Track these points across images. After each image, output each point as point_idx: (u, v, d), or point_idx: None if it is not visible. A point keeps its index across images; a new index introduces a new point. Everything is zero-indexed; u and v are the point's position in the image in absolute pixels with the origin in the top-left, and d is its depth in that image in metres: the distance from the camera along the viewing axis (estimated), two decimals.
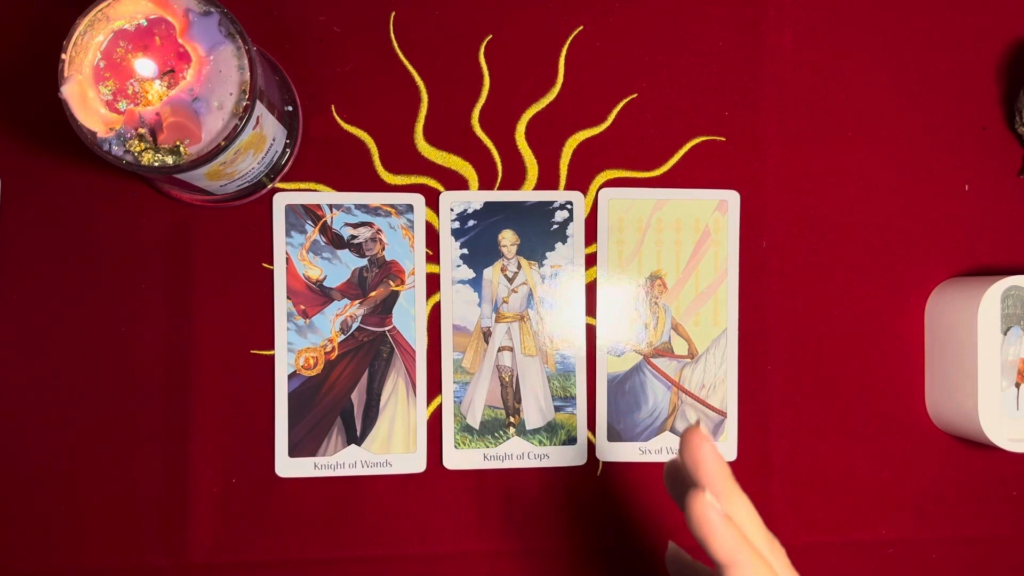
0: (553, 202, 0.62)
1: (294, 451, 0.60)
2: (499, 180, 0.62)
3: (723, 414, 0.62)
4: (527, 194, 0.62)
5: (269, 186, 0.60)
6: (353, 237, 0.61)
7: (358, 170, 0.61)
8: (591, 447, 0.62)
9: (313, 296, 0.60)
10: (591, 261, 0.62)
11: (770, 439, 0.62)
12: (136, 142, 0.48)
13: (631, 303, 0.62)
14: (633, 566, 0.62)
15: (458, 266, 0.61)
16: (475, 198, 0.62)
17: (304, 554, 0.60)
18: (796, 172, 0.63)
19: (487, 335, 0.62)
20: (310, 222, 0.60)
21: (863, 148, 0.63)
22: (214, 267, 0.60)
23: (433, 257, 0.61)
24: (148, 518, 0.59)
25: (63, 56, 0.48)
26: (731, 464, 0.62)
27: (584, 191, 0.62)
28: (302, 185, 0.61)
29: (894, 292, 0.63)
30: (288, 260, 0.60)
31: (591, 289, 0.62)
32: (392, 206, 0.61)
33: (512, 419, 0.61)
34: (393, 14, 0.61)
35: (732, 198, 0.63)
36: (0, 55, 0.59)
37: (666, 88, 0.62)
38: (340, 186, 0.61)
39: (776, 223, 0.63)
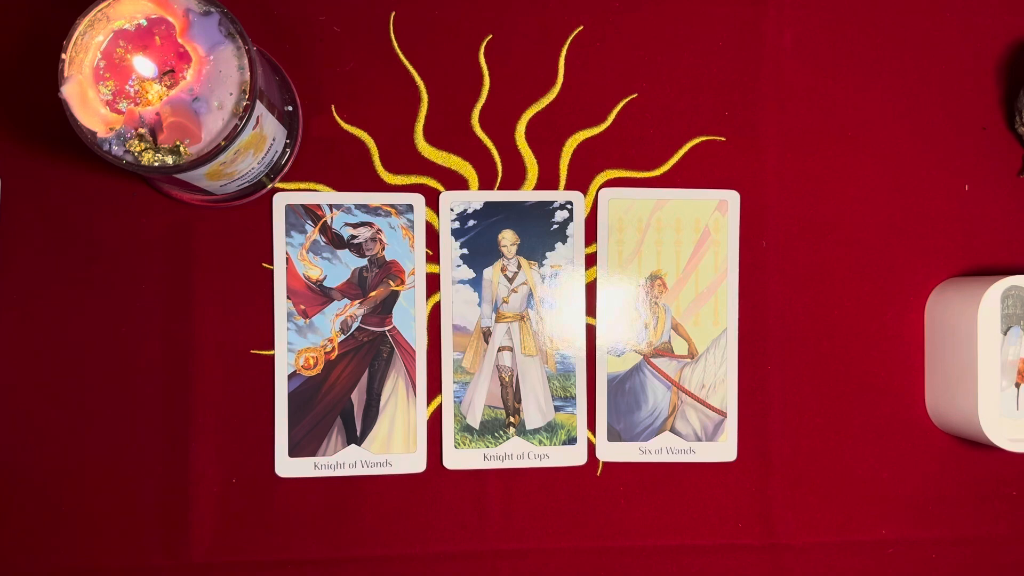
0: (553, 202, 0.62)
1: (294, 451, 0.60)
2: (499, 180, 0.62)
3: (723, 414, 0.62)
4: (527, 194, 0.62)
5: (269, 186, 0.60)
6: (353, 237, 0.61)
7: (358, 170, 0.61)
8: (591, 447, 0.62)
9: (313, 296, 0.60)
10: (591, 261, 0.62)
11: (770, 439, 0.62)
12: (136, 142, 0.48)
13: (631, 303, 0.62)
14: (633, 566, 0.62)
15: (458, 266, 0.61)
16: (475, 198, 0.61)
17: (304, 554, 0.60)
18: (796, 172, 0.63)
19: (487, 335, 0.62)
20: (310, 222, 0.60)
21: (863, 148, 0.63)
22: (214, 267, 0.60)
23: (433, 257, 0.61)
24: (148, 518, 0.59)
25: (63, 56, 0.48)
26: (731, 464, 0.62)
27: (584, 191, 0.62)
28: (302, 185, 0.61)
29: (894, 292, 0.63)
30: (288, 260, 0.60)
31: (591, 289, 0.62)
32: (392, 206, 0.61)
33: (512, 419, 0.61)
34: (393, 14, 0.61)
35: (732, 198, 0.63)
36: (0, 55, 0.59)
37: (666, 88, 0.62)
38: (340, 186, 0.61)
39: (776, 223, 0.63)
